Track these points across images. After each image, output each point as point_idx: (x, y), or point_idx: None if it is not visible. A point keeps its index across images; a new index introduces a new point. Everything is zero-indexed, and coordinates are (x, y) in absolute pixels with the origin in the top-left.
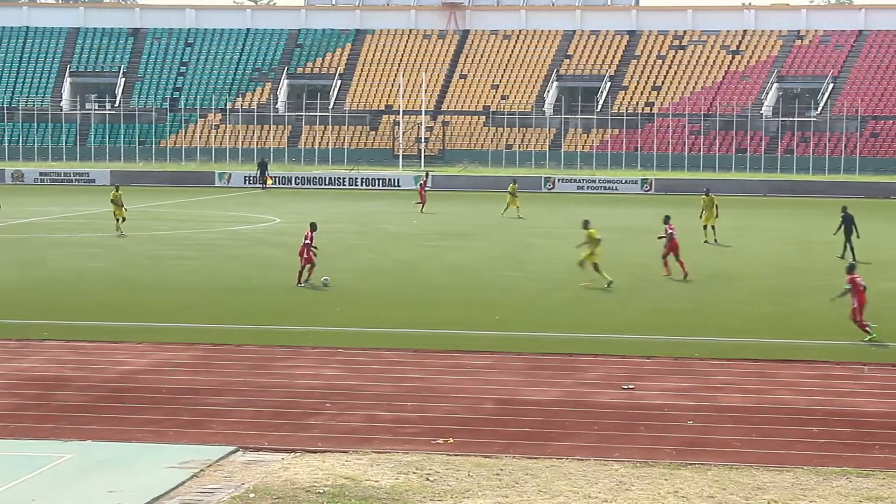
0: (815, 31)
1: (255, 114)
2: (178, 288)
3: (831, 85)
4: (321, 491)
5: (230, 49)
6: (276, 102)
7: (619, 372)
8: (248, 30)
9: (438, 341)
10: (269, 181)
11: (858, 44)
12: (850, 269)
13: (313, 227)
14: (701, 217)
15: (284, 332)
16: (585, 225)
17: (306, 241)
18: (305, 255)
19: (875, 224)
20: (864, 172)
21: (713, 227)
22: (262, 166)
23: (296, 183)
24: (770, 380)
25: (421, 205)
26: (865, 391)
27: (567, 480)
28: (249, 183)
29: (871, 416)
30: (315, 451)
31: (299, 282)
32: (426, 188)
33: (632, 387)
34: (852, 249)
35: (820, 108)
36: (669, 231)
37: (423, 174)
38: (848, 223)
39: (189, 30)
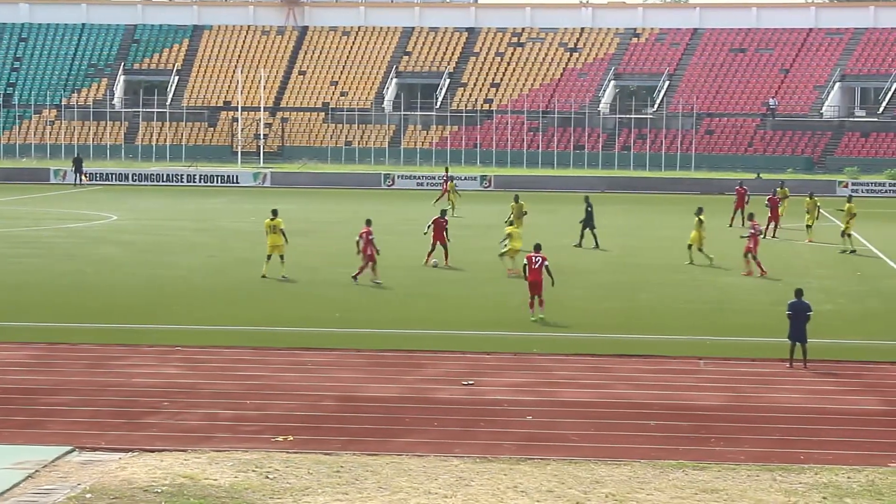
0: (652, 29)
1: (91, 110)
2: (13, 286)
3: (667, 82)
4: (159, 490)
5: (65, 44)
6: (113, 98)
7: (460, 368)
8: (83, 24)
9: (279, 338)
10: (85, 178)
11: (693, 42)
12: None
13: (369, 222)
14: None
15: (123, 330)
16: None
17: (369, 237)
18: (368, 252)
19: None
20: (699, 169)
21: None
22: (77, 163)
23: (133, 180)
24: (608, 375)
25: (440, 199)
26: (701, 385)
27: (407, 477)
28: (62, 180)
29: (707, 409)
30: (153, 451)
31: (356, 277)
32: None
33: (472, 383)
34: (595, 238)
35: (656, 106)
36: (755, 228)
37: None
38: (589, 214)
39: (23, 24)
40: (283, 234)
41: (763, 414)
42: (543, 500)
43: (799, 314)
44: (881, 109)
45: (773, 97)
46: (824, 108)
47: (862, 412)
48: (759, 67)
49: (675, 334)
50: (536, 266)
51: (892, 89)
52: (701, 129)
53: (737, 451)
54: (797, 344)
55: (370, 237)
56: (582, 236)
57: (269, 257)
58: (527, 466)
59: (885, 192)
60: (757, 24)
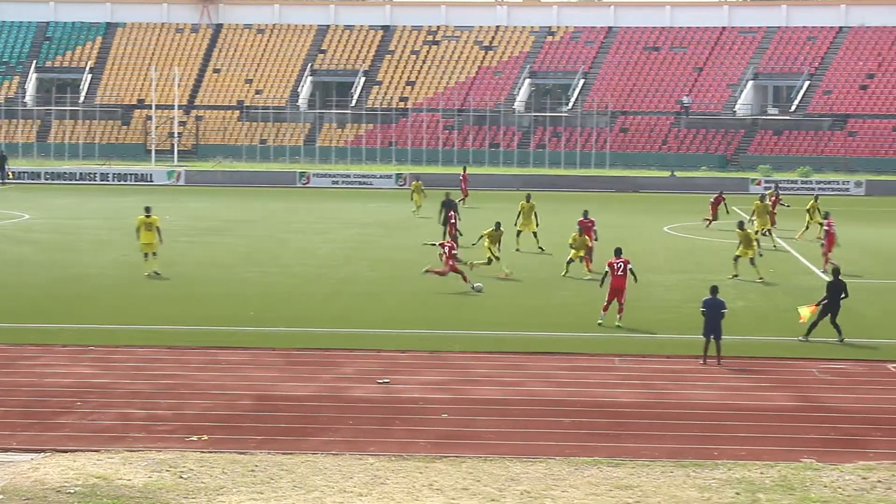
0: (567, 27)
1: (3, 108)
2: None
3: (582, 81)
4: (72, 491)
5: None
6: (25, 96)
7: (376, 366)
8: None
9: (194, 337)
10: (11, 175)
11: (608, 40)
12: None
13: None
14: (516, 224)
15: (34, 330)
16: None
17: (451, 252)
18: (450, 264)
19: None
20: (614, 167)
21: (534, 233)
22: (2, 160)
23: (45, 178)
24: (524, 372)
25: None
26: (616, 382)
27: (322, 475)
28: None
29: (621, 406)
30: (66, 451)
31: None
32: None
33: (387, 381)
34: (457, 234)
35: (571, 104)
36: (830, 226)
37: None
38: (448, 209)
39: None
40: (159, 232)
41: (677, 410)
42: (458, 498)
43: (713, 311)
44: (793, 107)
45: (687, 95)
46: (737, 107)
47: (775, 408)
48: (673, 66)
49: (591, 332)
50: (620, 272)
51: (804, 87)
52: (616, 127)
53: (651, 448)
54: (711, 340)
55: (452, 251)
56: (444, 234)
57: (145, 255)
58: (442, 464)
59: (798, 189)
60: (671, 22)
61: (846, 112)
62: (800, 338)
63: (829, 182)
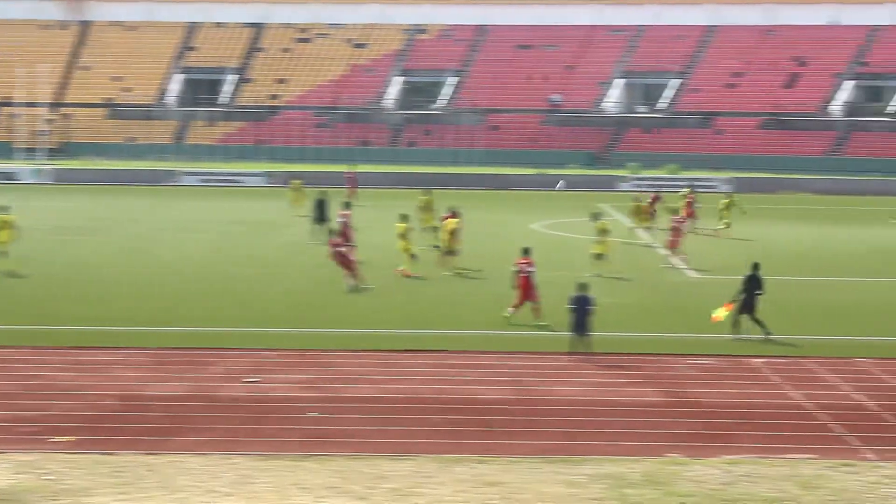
0: (438, 25)
1: None
2: None
3: (453, 79)
4: None
5: None
6: None
7: (245, 365)
8: None
9: (60, 337)
10: None
11: (479, 38)
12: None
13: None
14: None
15: None
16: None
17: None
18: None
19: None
20: (485, 165)
21: (434, 227)
22: None
23: None
24: (393, 370)
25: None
26: (485, 379)
27: (189, 475)
28: None
29: (490, 403)
30: None
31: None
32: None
33: (257, 380)
34: (326, 231)
35: (443, 102)
36: (676, 221)
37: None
38: (323, 208)
39: None
40: (14, 230)
41: (545, 407)
42: (327, 497)
43: (581, 307)
44: (662, 105)
45: (557, 93)
46: (607, 105)
47: (641, 403)
48: (543, 63)
49: (459, 329)
50: (524, 273)
51: (673, 86)
52: (486, 125)
53: (519, 444)
54: (580, 337)
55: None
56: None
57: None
58: (311, 463)
59: (667, 186)
60: (541, 20)
61: (714, 110)
62: (732, 337)
63: (697, 179)
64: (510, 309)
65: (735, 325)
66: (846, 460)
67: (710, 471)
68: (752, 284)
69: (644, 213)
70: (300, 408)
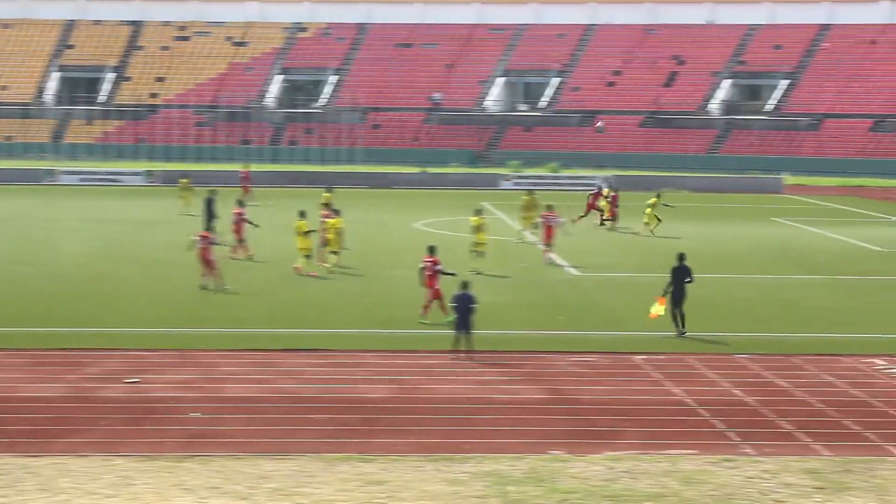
0: (318, 23)
1: None
2: None
3: (334, 77)
4: None
5: None
6: None
7: (124, 366)
8: None
9: None
10: None
11: (360, 37)
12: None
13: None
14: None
15: None
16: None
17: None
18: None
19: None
20: (366, 163)
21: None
22: None
23: None
24: (275, 369)
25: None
26: (368, 378)
27: (70, 478)
28: None
29: (372, 402)
30: None
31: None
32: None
33: (136, 381)
34: (213, 229)
35: (324, 100)
36: (547, 219)
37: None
38: (212, 206)
39: None
40: None
41: (428, 405)
42: (208, 497)
43: (463, 306)
44: (543, 104)
45: (438, 92)
46: (488, 103)
47: (524, 401)
48: (424, 62)
49: (342, 328)
50: (429, 272)
51: (554, 84)
52: (367, 124)
53: (402, 443)
54: (462, 335)
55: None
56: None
57: None
58: (192, 464)
59: (547, 184)
60: (422, 19)
61: (594, 108)
62: (676, 335)
63: (579, 178)
64: (422, 311)
65: (674, 319)
66: (726, 456)
67: (592, 467)
68: (680, 275)
69: (531, 210)
70: (181, 408)
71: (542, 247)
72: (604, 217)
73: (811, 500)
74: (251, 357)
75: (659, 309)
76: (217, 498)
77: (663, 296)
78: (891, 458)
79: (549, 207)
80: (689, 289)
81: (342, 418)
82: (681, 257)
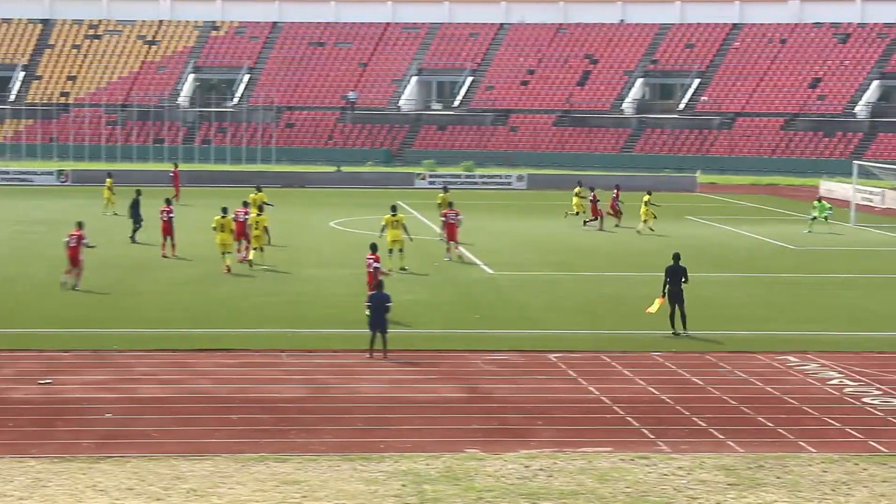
0: (231, 22)
1: None
2: None
3: (247, 76)
4: None
5: None
6: None
7: (37, 367)
8: None
9: None
10: None
11: (273, 35)
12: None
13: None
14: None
15: None
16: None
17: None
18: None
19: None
20: (280, 162)
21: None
22: None
23: None
24: (190, 370)
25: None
26: (283, 377)
27: None
28: None
29: (288, 401)
30: None
31: None
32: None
33: (49, 381)
34: (137, 231)
35: (237, 99)
36: (447, 216)
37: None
38: (137, 206)
39: None
40: None
41: (344, 404)
42: (123, 499)
43: (378, 305)
44: (457, 103)
45: (352, 90)
46: (402, 102)
47: (440, 400)
48: (338, 61)
49: (257, 327)
50: (371, 269)
51: (467, 83)
52: (281, 123)
53: (318, 443)
54: (377, 334)
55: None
56: (134, 231)
57: None
58: (106, 465)
59: (462, 183)
60: (336, 18)
61: (508, 107)
62: (671, 333)
63: (493, 176)
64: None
65: (671, 319)
66: (642, 453)
67: (508, 465)
68: (675, 275)
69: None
70: (95, 409)
71: (444, 244)
72: (589, 219)
73: (725, 497)
74: (166, 357)
75: (654, 307)
76: (132, 499)
77: (662, 295)
78: (803, 454)
79: (451, 205)
80: (648, 287)
81: (257, 418)
82: (676, 258)
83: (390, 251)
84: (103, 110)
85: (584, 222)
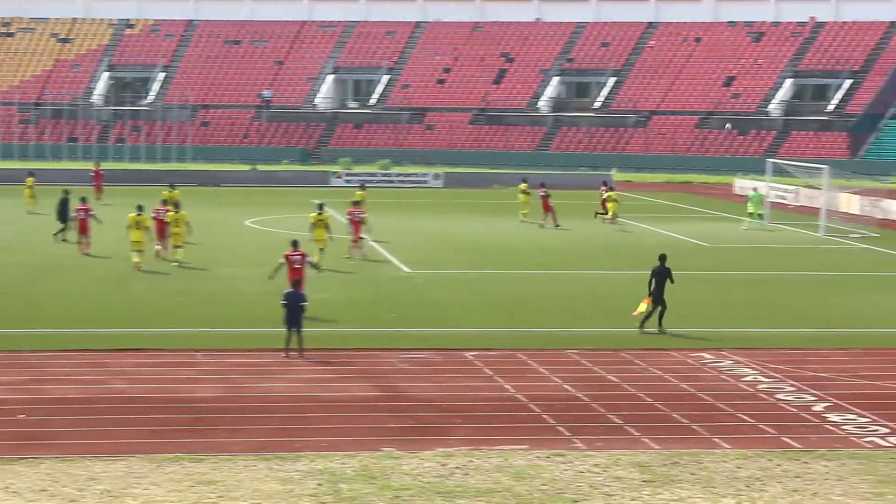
0: (146, 20)
1: None
2: None
3: (162, 74)
4: None
5: None
6: None
7: None
8: None
9: None
10: None
11: (188, 33)
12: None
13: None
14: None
15: None
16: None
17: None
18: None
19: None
20: (196, 161)
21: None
22: None
23: None
24: (104, 370)
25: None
26: (198, 377)
27: None
28: None
29: (203, 401)
30: None
31: None
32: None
33: None
34: (67, 228)
35: (152, 97)
36: (353, 214)
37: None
38: (66, 206)
39: None
40: None
41: (259, 404)
42: (37, 500)
43: (293, 304)
44: (373, 101)
45: (268, 89)
46: (318, 100)
47: (356, 399)
48: (253, 59)
49: (171, 327)
50: (297, 265)
51: (384, 81)
52: (197, 121)
53: (234, 442)
54: (293, 333)
55: None
56: (62, 231)
57: None
58: (20, 466)
59: (378, 181)
60: (251, 16)
61: (424, 106)
62: (657, 331)
63: (409, 175)
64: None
65: (648, 317)
66: (558, 450)
67: (424, 464)
68: (662, 276)
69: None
70: (7, 410)
71: (350, 241)
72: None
73: (640, 493)
74: (79, 357)
75: (642, 307)
76: (45, 501)
77: (649, 296)
78: (718, 451)
79: (357, 203)
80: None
81: (172, 418)
82: (662, 259)
83: (322, 250)
84: (16, 109)
85: (541, 224)
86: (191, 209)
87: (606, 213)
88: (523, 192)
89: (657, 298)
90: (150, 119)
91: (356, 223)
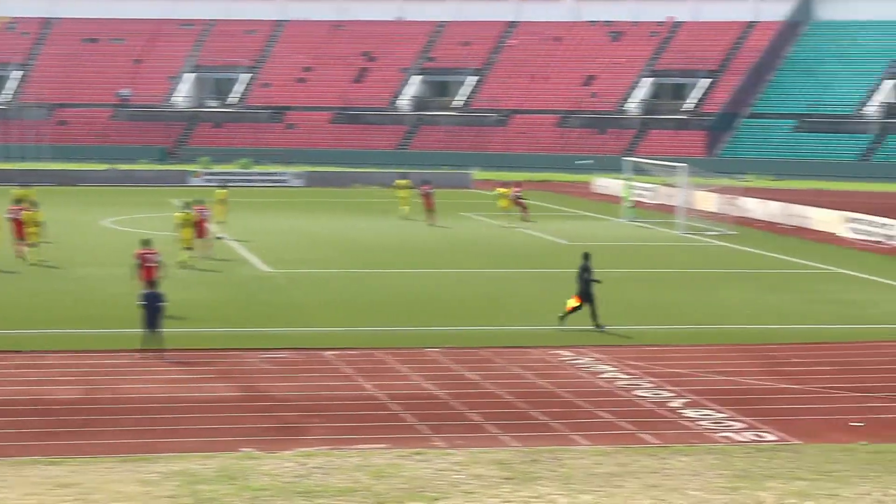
0: (2, 17)
1: None
2: None
3: (18, 72)
4: None
5: None
6: None
7: None
8: None
9: None
10: None
11: (45, 31)
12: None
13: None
14: None
15: None
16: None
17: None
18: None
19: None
20: (53, 160)
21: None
22: None
23: None
24: None
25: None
26: (54, 379)
27: None
28: None
29: (59, 403)
30: None
31: None
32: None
33: None
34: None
35: (8, 96)
36: (201, 212)
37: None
38: None
39: None
40: None
41: (117, 405)
42: None
43: (152, 304)
44: (233, 100)
45: (126, 87)
46: (177, 99)
47: (215, 399)
48: (111, 57)
49: (26, 328)
50: (151, 264)
51: (244, 80)
52: (53, 120)
53: (92, 444)
54: (151, 333)
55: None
56: None
57: None
58: None
59: (239, 181)
60: (109, 13)
61: (284, 104)
62: (594, 327)
63: (270, 174)
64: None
65: (572, 312)
66: (417, 449)
67: (284, 464)
68: (585, 274)
69: (225, 205)
70: None
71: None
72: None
73: (500, 491)
74: None
75: (571, 303)
76: None
77: (578, 295)
78: (576, 447)
79: (200, 202)
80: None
81: (28, 421)
82: (585, 257)
83: (189, 248)
84: None
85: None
86: (47, 209)
87: (525, 211)
88: (403, 188)
89: (584, 295)
90: (5, 118)
91: (201, 222)
